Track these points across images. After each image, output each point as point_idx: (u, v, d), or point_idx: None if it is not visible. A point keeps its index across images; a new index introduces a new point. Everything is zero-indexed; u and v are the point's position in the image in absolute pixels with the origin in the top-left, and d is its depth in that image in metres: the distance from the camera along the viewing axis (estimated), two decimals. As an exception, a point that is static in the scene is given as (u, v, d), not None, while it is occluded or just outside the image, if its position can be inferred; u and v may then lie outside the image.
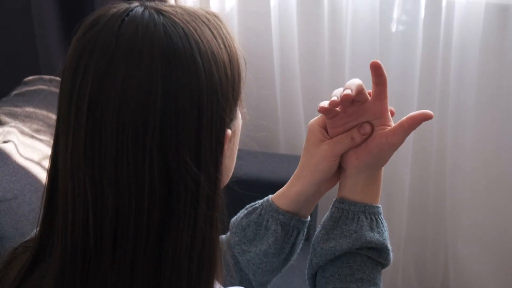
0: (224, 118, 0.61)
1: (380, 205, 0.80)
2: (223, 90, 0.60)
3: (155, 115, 0.56)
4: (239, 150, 0.70)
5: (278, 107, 2.00)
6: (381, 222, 0.79)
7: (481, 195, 1.95)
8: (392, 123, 0.78)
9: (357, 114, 0.77)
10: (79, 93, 0.58)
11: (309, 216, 0.84)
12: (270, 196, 0.84)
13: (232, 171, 0.70)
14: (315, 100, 1.89)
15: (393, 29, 1.85)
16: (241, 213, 0.84)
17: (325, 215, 0.81)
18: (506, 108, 1.83)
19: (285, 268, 0.85)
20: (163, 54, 0.57)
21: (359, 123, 0.77)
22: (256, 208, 0.83)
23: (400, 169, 1.95)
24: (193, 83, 0.58)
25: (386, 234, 0.78)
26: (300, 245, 0.84)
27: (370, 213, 0.78)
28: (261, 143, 1.98)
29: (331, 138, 0.79)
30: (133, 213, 0.58)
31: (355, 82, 0.75)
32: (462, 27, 1.76)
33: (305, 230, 0.84)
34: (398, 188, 1.98)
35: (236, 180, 0.72)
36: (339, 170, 0.80)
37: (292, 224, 0.81)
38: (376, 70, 0.75)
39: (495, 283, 2.01)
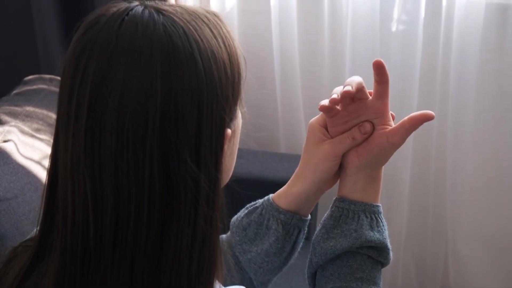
0: (224, 117, 0.61)
1: (380, 204, 0.80)
2: (223, 90, 0.60)
3: (154, 114, 0.56)
4: (239, 149, 0.70)
5: (278, 106, 2.00)
6: (381, 221, 0.79)
7: (481, 194, 1.95)
8: (393, 123, 0.78)
9: (358, 113, 0.77)
10: (79, 92, 0.58)
11: (309, 215, 0.84)
12: (271, 195, 0.84)
13: (232, 170, 0.70)
14: (315, 99, 1.89)
15: (393, 28, 1.85)
16: (242, 212, 0.84)
17: (325, 214, 0.81)
18: (506, 107, 1.83)
19: (286, 266, 0.85)
20: (162, 53, 0.57)
21: (359, 122, 0.77)
22: (256, 208, 0.83)
23: (401, 168, 1.95)
24: (193, 82, 0.58)
25: (386, 233, 0.79)
26: (301, 243, 0.84)
27: (370, 212, 0.78)
28: (261, 142, 1.97)
29: (331, 137, 0.79)
30: (133, 213, 0.58)
31: (355, 79, 0.75)
32: (462, 27, 1.76)
33: (306, 228, 0.84)
34: (398, 186, 1.98)
35: (236, 179, 0.72)
36: (340, 169, 0.80)
37: (293, 223, 0.81)
38: (379, 69, 0.74)
39: (495, 281, 2.01)
